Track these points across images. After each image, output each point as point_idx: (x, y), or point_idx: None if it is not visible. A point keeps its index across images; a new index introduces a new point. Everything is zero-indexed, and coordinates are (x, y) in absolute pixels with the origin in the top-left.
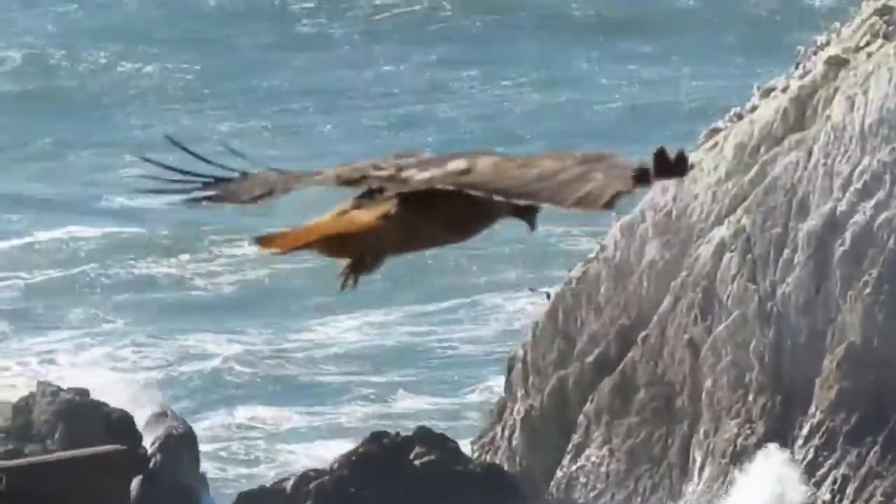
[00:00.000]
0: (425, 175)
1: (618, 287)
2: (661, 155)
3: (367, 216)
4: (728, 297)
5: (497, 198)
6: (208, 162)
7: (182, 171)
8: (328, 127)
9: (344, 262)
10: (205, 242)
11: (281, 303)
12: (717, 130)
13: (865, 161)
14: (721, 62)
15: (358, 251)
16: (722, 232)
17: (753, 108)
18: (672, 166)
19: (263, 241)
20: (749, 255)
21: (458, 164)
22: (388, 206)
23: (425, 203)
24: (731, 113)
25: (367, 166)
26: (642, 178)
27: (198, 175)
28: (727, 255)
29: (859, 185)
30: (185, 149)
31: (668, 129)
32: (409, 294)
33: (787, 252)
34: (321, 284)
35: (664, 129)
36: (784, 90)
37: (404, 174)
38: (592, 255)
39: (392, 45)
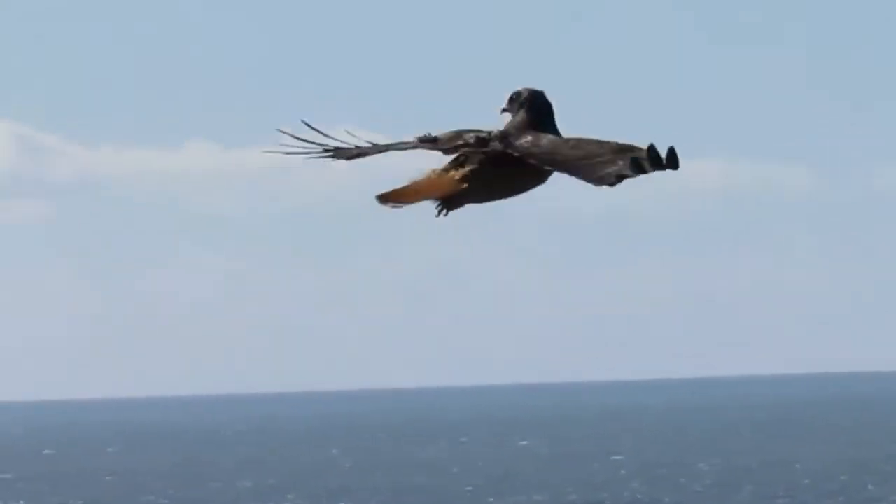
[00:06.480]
0: (502, 144)
1: None
2: (652, 150)
3: (458, 175)
4: None
5: (548, 167)
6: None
7: (314, 143)
8: None
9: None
10: None
11: None
12: None
13: None
14: None
15: (450, 199)
16: None
17: None
18: (664, 161)
19: (383, 196)
20: None
21: (527, 138)
22: (472, 168)
23: (498, 165)
24: None
25: (450, 136)
26: (640, 168)
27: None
28: None
29: None
30: (315, 129)
31: None
32: None
33: None
34: None
35: None
36: None
37: (488, 143)
38: None
39: None
